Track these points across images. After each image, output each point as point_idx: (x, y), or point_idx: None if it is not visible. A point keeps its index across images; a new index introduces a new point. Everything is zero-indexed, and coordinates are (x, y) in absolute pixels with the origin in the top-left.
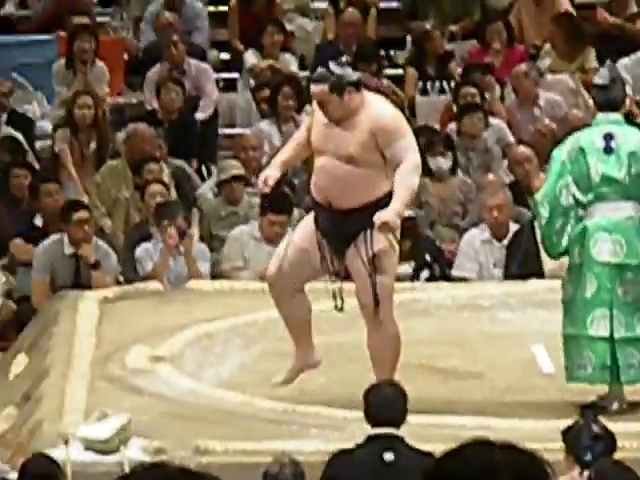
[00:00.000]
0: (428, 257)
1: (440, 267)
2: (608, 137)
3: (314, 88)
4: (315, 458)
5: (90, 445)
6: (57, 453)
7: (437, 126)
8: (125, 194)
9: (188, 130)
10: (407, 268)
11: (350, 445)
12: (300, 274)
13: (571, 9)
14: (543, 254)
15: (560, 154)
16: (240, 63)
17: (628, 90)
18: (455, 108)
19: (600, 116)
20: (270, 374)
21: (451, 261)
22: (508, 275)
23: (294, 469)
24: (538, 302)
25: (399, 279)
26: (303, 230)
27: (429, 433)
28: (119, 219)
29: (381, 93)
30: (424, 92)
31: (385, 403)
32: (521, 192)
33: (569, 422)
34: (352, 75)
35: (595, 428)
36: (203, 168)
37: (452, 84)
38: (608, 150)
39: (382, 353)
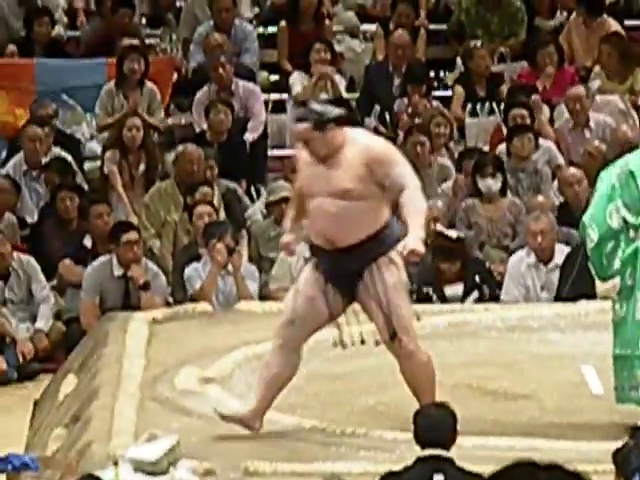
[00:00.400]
0: (477, 278)
1: (489, 288)
2: None
3: (297, 127)
4: (364, 479)
5: (139, 466)
6: (106, 474)
7: (486, 147)
8: (174, 216)
9: (237, 151)
10: (457, 289)
11: (399, 467)
12: (310, 325)
13: (620, 30)
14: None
15: (609, 177)
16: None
17: None
18: (505, 129)
19: None
20: (319, 395)
21: (500, 282)
22: (560, 296)
23: None
24: (588, 324)
25: (449, 300)
26: (306, 279)
27: (478, 454)
28: (168, 240)
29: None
30: (473, 113)
31: (435, 425)
32: (571, 213)
33: (619, 444)
34: (333, 111)
35: None
36: (252, 189)
37: (502, 105)
38: None
39: (417, 381)
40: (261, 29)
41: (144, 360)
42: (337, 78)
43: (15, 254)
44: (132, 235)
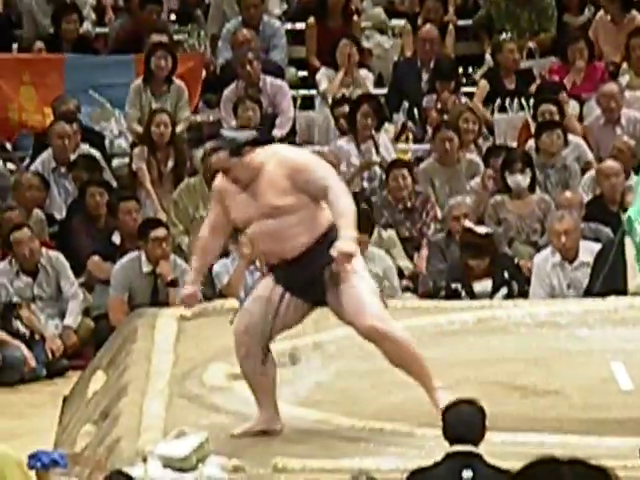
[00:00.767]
0: (506, 274)
1: (518, 284)
2: None
3: (214, 159)
4: (393, 476)
5: (168, 463)
6: (135, 471)
7: (515, 144)
8: (203, 212)
9: None
10: (485, 285)
11: (428, 463)
12: (268, 327)
13: None
14: (630, 271)
15: None
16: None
17: None
18: (533, 125)
19: None
20: (348, 392)
21: (529, 278)
22: (590, 292)
23: None
24: (617, 320)
25: (477, 296)
26: (264, 287)
27: (507, 450)
28: (197, 236)
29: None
30: (502, 109)
31: (463, 421)
32: (602, 208)
33: None
34: (245, 135)
35: None
36: None
37: (531, 101)
38: None
39: (404, 361)
40: (289, 25)
41: (173, 356)
42: (365, 74)
43: (44, 250)
44: (160, 232)
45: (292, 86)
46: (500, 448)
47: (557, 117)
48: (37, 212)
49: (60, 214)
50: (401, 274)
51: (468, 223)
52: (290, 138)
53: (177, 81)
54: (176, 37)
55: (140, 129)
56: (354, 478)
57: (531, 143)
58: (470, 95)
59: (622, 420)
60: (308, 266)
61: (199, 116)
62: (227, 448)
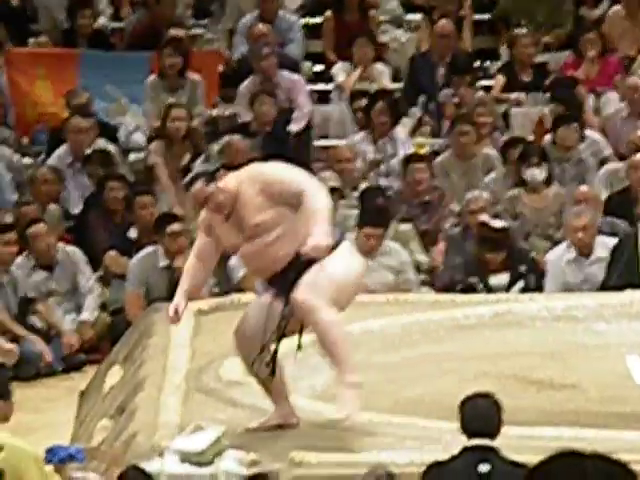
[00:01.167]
0: (522, 268)
1: (534, 278)
2: None
3: (193, 191)
4: (410, 469)
5: (185, 457)
6: (152, 466)
7: (531, 137)
8: None
9: (281, 142)
10: (502, 279)
11: (445, 456)
12: (265, 327)
13: None
14: None
15: None
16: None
17: None
18: (550, 119)
19: None
20: (364, 385)
21: (545, 272)
22: (607, 286)
23: None
24: (633, 313)
25: (494, 290)
26: (258, 297)
27: (524, 444)
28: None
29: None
30: (518, 103)
31: (480, 414)
32: (623, 203)
33: None
34: (214, 164)
35: None
36: None
37: (547, 95)
38: None
39: (324, 343)
40: (305, 20)
41: (189, 351)
42: (381, 68)
43: (60, 245)
44: (177, 226)
45: (308, 80)
46: (516, 442)
47: (573, 111)
48: (53, 207)
49: (76, 209)
50: (418, 268)
51: (484, 217)
52: (306, 133)
53: (192, 75)
54: (193, 32)
55: (158, 125)
56: (371, 472)
57: (547, 137)
58: (487, 89)
59: (638, 414)
60: (293, 270)
61: (215, 111)
62: (244, 442)
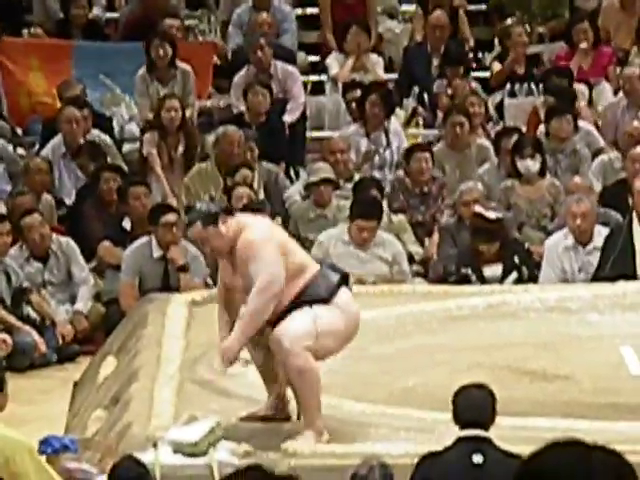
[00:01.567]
0: (516, 259)
1: (528, 269)
2: None
3: (191, 232)
4: (404, 460)
5: (179, 448)
6: (146, 456)
7: (524, 128)
8: (214, 196)
9: (276, 133)
10: (495, 270)
11: (439, 447)
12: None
13: None
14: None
15: None
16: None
17: None
18: (543, 110)
19: None
20: (358, 376)
21: (539, 263)
22: (599, 277)
23: (383, 471)
24: (627, 304)
25: (488, 281)
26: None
27: (517, 435)
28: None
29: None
30: (512, 94)
31: (474, 405)
32: (618, 195)
33: None
34: (217, 206)
35: None
36: (291, 171)
37: (540, 86)
38: None
39: (298, 388)
40: (300, 10)
41: (183, 342)
42: (375, 59)
43: (54, 236)
44: (171, 217)
45: (303, 71)
46: (510, 432)
47: (566, 102)
48: (46, 197)
49: (70, 199)
50: (411, 259)
51: (478, 208)
52: (301, 123)
53: (182, 65)
54: (187, 22)
55: (151, 117)
56: (365, 463)
57: (541, 128)
58: (481, 80)
59: (632, 405)
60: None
61: (209, 101)
62: (238, 433)
